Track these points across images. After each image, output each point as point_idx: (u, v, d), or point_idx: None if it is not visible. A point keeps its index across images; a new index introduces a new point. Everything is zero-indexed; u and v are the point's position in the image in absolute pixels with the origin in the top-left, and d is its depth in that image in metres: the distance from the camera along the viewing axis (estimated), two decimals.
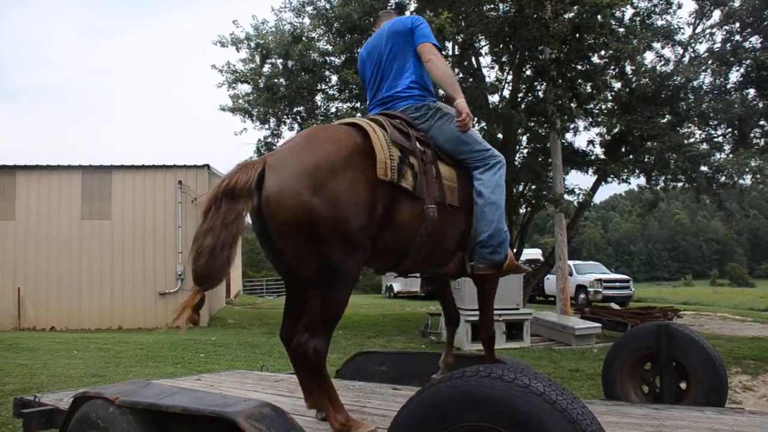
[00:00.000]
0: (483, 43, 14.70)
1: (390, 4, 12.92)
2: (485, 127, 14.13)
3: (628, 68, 14.87)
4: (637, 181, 16.60)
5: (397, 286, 30.56)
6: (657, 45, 14.83)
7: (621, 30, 13.85)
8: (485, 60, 15.65)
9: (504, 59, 14.84)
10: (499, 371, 1.86)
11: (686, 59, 14.96)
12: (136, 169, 17.72)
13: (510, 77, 15.30)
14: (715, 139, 15.37)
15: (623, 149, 15.46)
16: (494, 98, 15.25)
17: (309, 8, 14.47)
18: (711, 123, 14.98)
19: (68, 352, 9.64)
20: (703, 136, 15.63)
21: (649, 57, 15.30)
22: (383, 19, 3.78)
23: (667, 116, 14.94)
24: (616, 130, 15.48)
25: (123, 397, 3.02)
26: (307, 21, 14.61)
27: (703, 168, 14.66)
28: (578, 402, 1.83)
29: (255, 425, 2.33)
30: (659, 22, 14.55)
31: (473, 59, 15.25)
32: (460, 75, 15.05)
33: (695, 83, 14.57)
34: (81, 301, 17.08)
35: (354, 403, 3.94)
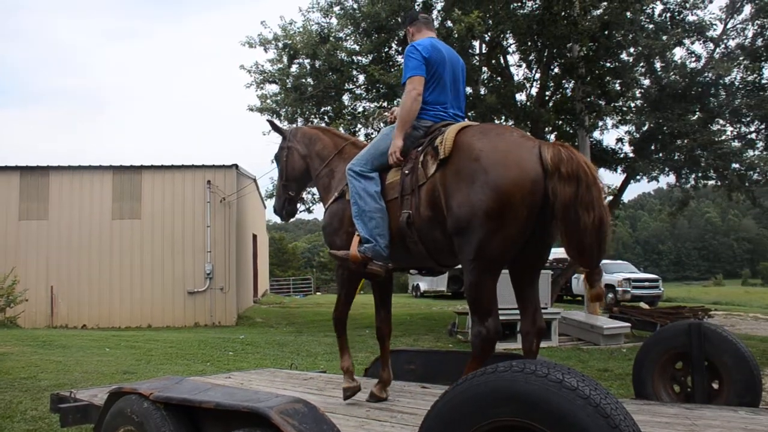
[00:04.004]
0: (511, 41, 14.62)
1: (417, 3, 12.89)
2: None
3: (658, 65, 14.67)
4: (667, 179, 16.36)
5: (424, 285, 30.26)
6: (687, 41, 14.59)
7: (650, 26, 13.67)
8: (512, 58, 15.57)
9: (531, 57, 14.75)
10: (533, 366, 1.84)
11: (717, 55, 14.70)
12: (165, 169, 17.93)
13: (538, 75, 15.21)
14: (748, 136, 15.08)
15: (653, 147, 15.27)
16: (521, 96, 15.17)
17: (336, 8, 14.50)
18: (743, 120, 14.72)
19: (100, 350, 9.79)
20: (735, 133, 15.36)
21: (679, 53, 15.07)
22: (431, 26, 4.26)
23: (697, 113, 14.70)
24: (645, 127, 15.27)
25: (157, 393, 3.07)
26: (334, 21, 14.64)
27: (735, 165, 14.43)
28: (612, 397, 1.80)
29: (287, 420, 2.35)
30: (690, 18, 14.33)
31: (501, 57, 15.17)
32: (488, 74, 14.97)
33: (727, 79, 14.31)
34: (112, 300, 17.34)
35: (383, 401, 3.97)
